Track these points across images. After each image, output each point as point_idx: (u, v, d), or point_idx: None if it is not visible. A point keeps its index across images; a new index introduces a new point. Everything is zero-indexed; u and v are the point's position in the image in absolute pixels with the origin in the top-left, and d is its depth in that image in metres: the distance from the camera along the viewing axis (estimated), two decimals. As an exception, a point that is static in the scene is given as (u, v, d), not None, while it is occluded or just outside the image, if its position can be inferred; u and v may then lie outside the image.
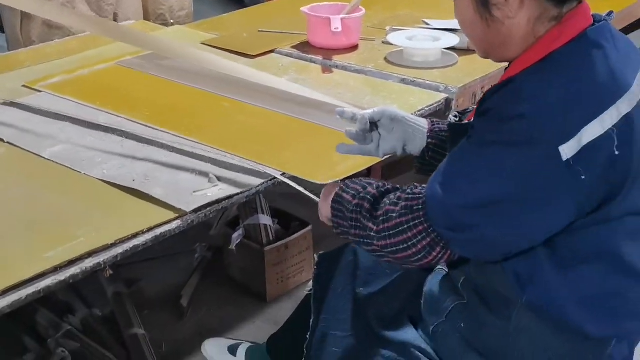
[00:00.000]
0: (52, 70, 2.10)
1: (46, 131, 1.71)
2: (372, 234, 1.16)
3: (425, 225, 1.11)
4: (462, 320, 1.20)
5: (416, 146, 1.38)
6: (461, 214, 1.07)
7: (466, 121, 1.22)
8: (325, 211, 1.31)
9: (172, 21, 3.53)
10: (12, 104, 1.85)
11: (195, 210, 1.38)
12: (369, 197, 1.20)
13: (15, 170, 1.54)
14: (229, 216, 2.36)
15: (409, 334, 1.29)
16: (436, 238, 1.11)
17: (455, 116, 1.29)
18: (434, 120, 1.41)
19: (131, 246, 1.30)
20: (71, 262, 1.23)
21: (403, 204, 1.14)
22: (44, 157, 1.59)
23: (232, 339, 1.98)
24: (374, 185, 1.23)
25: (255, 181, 1.48)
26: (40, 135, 1.69)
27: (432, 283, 1.28)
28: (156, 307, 2.20)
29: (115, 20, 3.23)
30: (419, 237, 1.11)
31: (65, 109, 1.83)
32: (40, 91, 1.96)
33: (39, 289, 1.19)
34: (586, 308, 1.10)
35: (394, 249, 1.14)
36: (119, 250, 1.29)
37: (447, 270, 1.28)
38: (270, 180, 1.50)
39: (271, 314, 2.15)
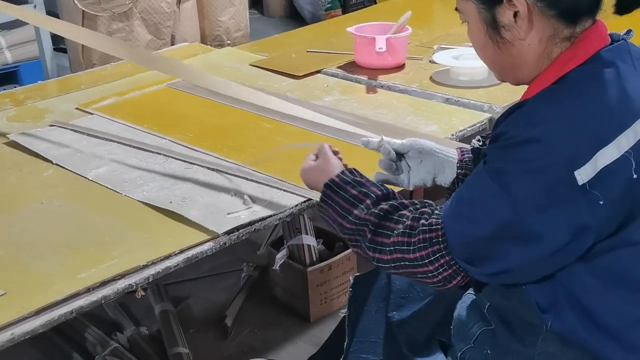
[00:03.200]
0: (106, 93, 2.17)
1: (93, 153, 1.76)
2: (385, 257, 1.13)
3: (447, 258, 1.08)
4: (489, 347, 1.17)
5: (446, 177, 1.36)
6: (479, 245, 1.05)
7: None
8: (310, 180, 1.31)
9: (228, 42, 3.61)
10: (65, 126, 1.92)
11: (228, 232, 1.39)
12: (375, 211, 1.15)
13: (60, 191, 1.59)
14: (276, 235, 2.38)
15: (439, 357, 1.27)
16: (458, 269, 1.09)
17: (479, 140, 1.27)
18: (464, 149, 1.38)
19: (163, 268, 1.32)
20: (104, 283, 1.26)
21: (421, 236, 1.10)
22: (88, 179, 1.63)
23: (275, 360, 1.98)
24: (376, 196, 1.18)
25: (289, 203, 1.49)
26: (87, 157, 1.74)
27: (461, 308, 1.26)
28: (201, 325, 2.22)
29: (172, 42, 3.33)
30: (441, 270, 1.09)
31: (114, 131, 1.89)
32: (92, 113, 2.02)
33: (72, 309, 1.21)
34: (610, 337, 1.05)
35: (411, 273, 1.13)
36: (151, 271, 1.31)
37: (475, 296, 1.25)
38: (304, 202, 1.49)
39: (314, 335, 2.14)
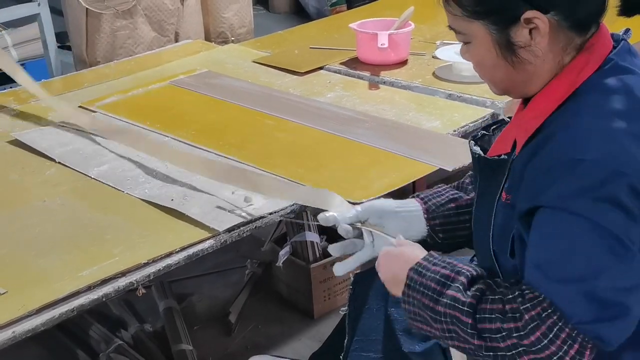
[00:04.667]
0: (109, 91, 2.17)
1: (95, 151, 1.76)
2: (499, 345, 1.00)
3: (567, 329, 0.96)
4: None
5: (416, 233, 1.28)
6: (600, 296, 0.95)
7: (495, 156, 1.13)
8: (390, 268, 1.16)
9: (232, 39, 3.60)
10: (68, 124, 1.92)
11: (229, 230, 1.39)
12: (473, 291, 1.03)
13: (62, 189, 1.59)
14: (280, 232, 2.38)
15: (438, 357, 1.27)
16: (584, 339, 0.97)
17: (475, 144, 1.20)
18: (423, 196, 1.31)
19: (164, 265, 1.32)
20: (105, 281, 1.26)
21: (527, 316, 0.97)
22: (90, 177, 1.64)
23: (278, 356, 1.98)
24: (470, 274, 1.06)
25: (291, 200, 1.48)
26: (89, 155, 1.74)
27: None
28: (205, 322, 2.22)
29: (176, 39, 3.32)
30: (565, 347, 0.96)
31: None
32: (95, 111, 2.03)
33: (73, 307, 1.22)
34: None
35: None
36: (152, 269, 1.31)
37: None
38: (305, 199, 1.49)
39: (318, 331, 2.14)
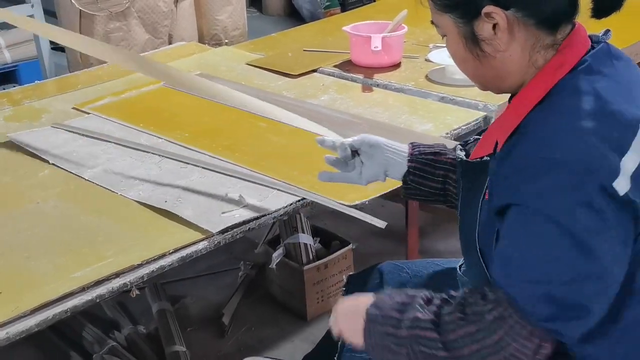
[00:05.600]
0: (103, 92, 2.18)
1: (89, 152, 1.77)
2: (464, 352, 1.01)
3: (529, 328, 0.98)
4: None
5: (397, 171, 1.34)
6: (558, 297, 0.97)
7: (478, 158, 1.14)
8: (349, 325, 1.16)
9: (226, 41, 3.61)
10: (61, 126, 1.92)
11: (222, 231, 1.40)
12: (427, 325, 1.04)
13: (55, 191, 1.59)
14: (273, 234, 2.38)
15: None
16: (543, 335, 0.99)
17: (462, 150, 1.22)
18: (415, 143, 1.37)
19: (157, 267, 1.32)
20: (98, 282, 1.27)
21: (489, 317, 0.99)
22: (84, 178, 1.64)
23: (271, 358, 1.99)
24: (424, 295, 1.08)
25: (284, 202, 1.49)
26: (82, 157, 1.75)
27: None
28: (199, 324, 2.23)
29: (170, 41, 3.33)
30: (527, 343, 0.99)
31: (110, 130, 1.89)
32: (88, 113, 2.03)
33: (66, 308, 1.22)
34: None
35: None
36: (145, 270, 1.31)
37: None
38: (299, 201, 1.50)
39: (311, 333, 2.15)
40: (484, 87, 1.15)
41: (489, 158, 1.12)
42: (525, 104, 1.05)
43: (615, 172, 0.95)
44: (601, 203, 0.95)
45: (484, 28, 1.05)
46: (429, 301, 1.07)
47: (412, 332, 1.04)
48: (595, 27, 1.10)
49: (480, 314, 1.00)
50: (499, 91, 1.14)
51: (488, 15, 1.03)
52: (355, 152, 1.36)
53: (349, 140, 1.36)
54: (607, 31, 1.11)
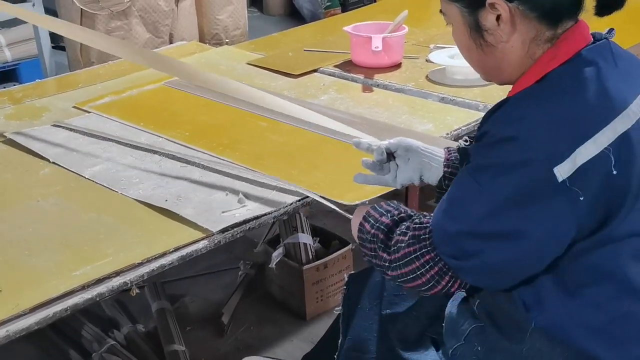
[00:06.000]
0: (103, 91, 2.18)
1: (89, 151, 1.77)
2: (386, 264, 1.17)
3: (432, 254, 1.11)
4: (479, 343, 1.18)
5: (433, 176, 1.37)
6: (462, 241, 1.07)
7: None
8: (354, 235, 1.31)
9: (227, 40, 3.61)
10: (62, 125, 1.92)
11: (222, 231, 1.40)
12: (382, 226, 1.20)
13: (56, 189, 1.59)
14: (273, 233, 2.38)
15: (430, 356, 1.28)
16: (444, 267, 1.11)
17: (466, 140, 1.28)
18: (451, 149, 1.40)
19: (157, 265, 1.32)
20: (98, 281, 1.27)
21: (411, 233, 1.14)
22: (84, 177, 1.64)
23: (271, 357, 1.99)
24: (391, 214, 1.22)
25: (284, 201, 1.49)
26: (83, 155, 1.75)
27: (452, 306, 1.27)
28: (198, 323, 2.23)
29: (170, 40, 3.33)
30: (427, 267, 1.12)
31: (110, 129, 1.90)
32: (89, 112, 2.03)
33: (66, 306, 1.22)
34: (595, 333, 1.07)
35: (405, 278, 1.15)
36: (145, 269, 1.31)
37: (466, 294, 1.26)
38: (299, 200, 1.50)
39: (310, 332, 2.15)
40: (486, 76, 1.19)
41: None
42: (514, 91, 1.10)
43: (559, 159, 0.98)
44: (533, 180, 0.99)
45: (487, 18, 1.08)
46: (404, 214, 1.21)
47: (374, 231, 1.20)
48: (598, 26, 1.11)
49: (408, 229, 1.14)
50: (499, 81, 1.17)
51: (492, 6, 1.07)
52: (390, 155, 1.37)
53: (385, 143, 1.37)
54: (611, 30, 1.13)
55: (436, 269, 1.11)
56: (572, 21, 1.08)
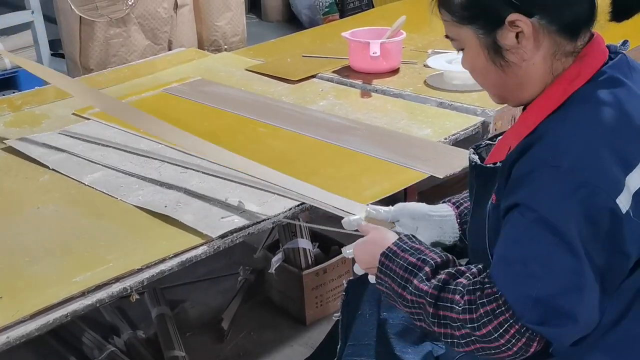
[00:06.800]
0: (102, 98, 2.18)
1: (89, 158, 1.77)
2: (456, 333, 1.06)
3: (517, 326, 1.02)
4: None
5: (448, 237, 1.29)
6: (549, 302, 0.99)
7: (491, 164, 1.15)
8: (365, 255, 1.22)
9: (225, 47, 3.62)
10: (61, 132, 1.93)
11: (222, 236, 1.40)
12: (428, 297, 1.08)
13: (55, 196, 1.60)
14: (272, 239, 2.39)
15: (428, 346, 1.29)
16: (531, 334, 1.02)
17: (475, 153, 1.21)
18: (455, 200, 1.33)
19: (157, 271, 1.33)
20: (99, 287, 1.27)
21: (482, 310, 1.03)
22: (84, 183, 1.65)
23: (270, 362, 1.99)
24: (425, 275, 1.10)
25: (283, 207, 1.50)
26: (82, 162, 1.75)
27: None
28: (198, 329, 2.23)
29: (169, 47, 3.34)
30: (513, 341, 1.02)
31: (110, 136, 1.90)
32: (88, 119, 2.04)
33: (67, 312, 1.22)
34: None
35: (485, 349, 1.05)
36: (145, 275, 1.32)
37: None
38: (298, 206, 1.51)
39: (310, 337, 2.15)
40: (503, 98, 1.14)
41: (500, 164, 1.12)
42: (539, 111, 1.06)
43: (619, 188, 0.96)
44: (600, 216, 0.96)
45: (507, 37, 1.04)
46: (436, 271, 1.10)
47: (415, 299, 1.09)
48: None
49: (476, 304, 1.04)
50: (518, 101, 1.12)
51: (512, 23, 1.03)
52: (392, 224, 1.30)
53: (382, 212, 1.30)
54: (625, 42, 1.12)
55: (523, 339, 1.02)
56: (588, 32, 1.06)
